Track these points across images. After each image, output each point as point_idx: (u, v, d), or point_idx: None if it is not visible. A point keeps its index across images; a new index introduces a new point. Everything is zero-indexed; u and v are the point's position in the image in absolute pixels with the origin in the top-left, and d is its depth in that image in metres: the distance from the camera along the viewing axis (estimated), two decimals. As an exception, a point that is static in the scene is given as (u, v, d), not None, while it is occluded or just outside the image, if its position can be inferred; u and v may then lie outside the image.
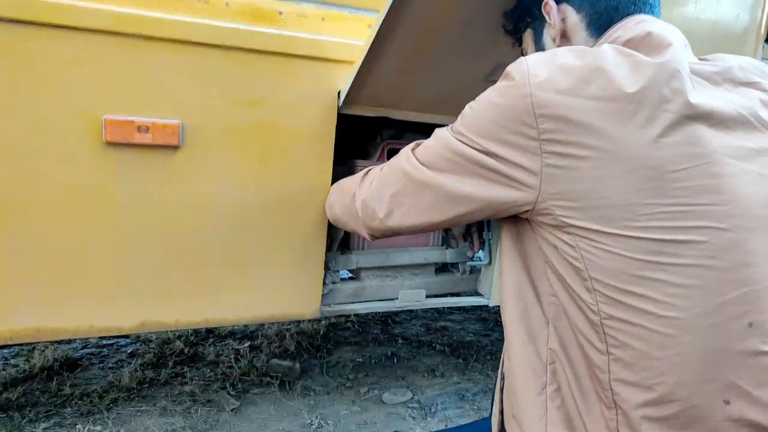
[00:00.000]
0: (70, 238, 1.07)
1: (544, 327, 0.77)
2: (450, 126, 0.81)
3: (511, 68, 0.72)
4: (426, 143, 0.84)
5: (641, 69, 0.67)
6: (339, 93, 1.21)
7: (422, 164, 0.82)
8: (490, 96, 0.74)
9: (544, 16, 0.87)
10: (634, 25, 0.77)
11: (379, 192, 0.89)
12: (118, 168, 1.08)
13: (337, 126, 1.23)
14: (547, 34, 0.88)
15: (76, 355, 2.21)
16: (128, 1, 1.04)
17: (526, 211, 0.74)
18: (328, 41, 1.19)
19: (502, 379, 0.87)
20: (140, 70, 1.05)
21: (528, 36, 0.95)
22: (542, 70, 0.68)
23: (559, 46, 0.85)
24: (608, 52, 0.69)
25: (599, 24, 0.81)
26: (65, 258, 1.08)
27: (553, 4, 0.85)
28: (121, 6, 1.03)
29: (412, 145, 0.87)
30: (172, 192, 1.13)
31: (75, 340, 2.33)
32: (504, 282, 0.83)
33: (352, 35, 1.22)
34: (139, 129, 1.08)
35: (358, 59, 1.08)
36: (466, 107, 0.78)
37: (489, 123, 0.72)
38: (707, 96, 0.69)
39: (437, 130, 0.83)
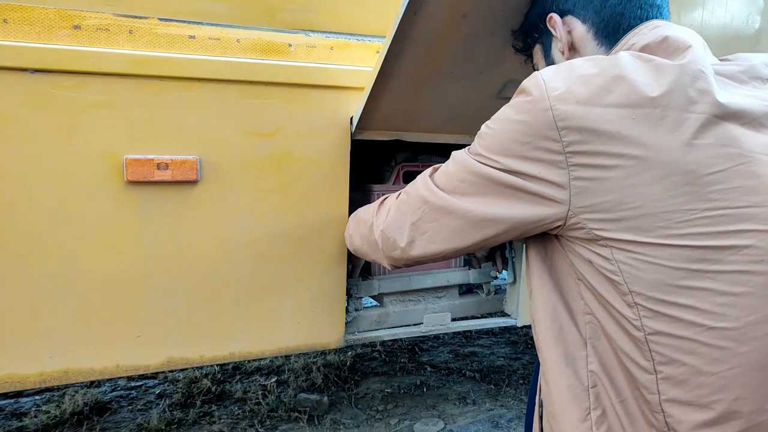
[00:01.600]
0: (95, 278, 1.09)
1: (582, 348, 0.74)
2: (467, 148, 0.79)
3: (527, 83, 0.70)
4: (444, 168, 0.82)
5: (663, 72, 0.65)
6: (351, 119, 1.22)
7: (442, 190, 0.79)
8: (507, 113, 0.72)
9: (550, 31, 0.86)
10: (649, 30, 0.75)
11: (398, 221, 0.87)
12: (139, 206, 1.10)
13: (351, 151, 1.24)
14: (556, 48, 0.87)
15: (106, 398, 2.21)
16: (142, 44, 1.08)
17: (557, 227, 0.71)
18: (337, 69, 1.21)
19: (541, 406, 0.83)
20: (157, 109, 1.08)
21: (537, 51, 0.94)
22: (559, 82, 0.67)
23: (568, 58, 0.83)
24: (626, 59, 0.67)
25: (607, 32, 0.80)
26: (91, 298, 1.09)
27: (557, 17, 0.84)
28: (136, 49, 1.07)
29: (429, 170, 0.85)
30: (192, 227, 1.14)
31: (104, 382, 2.33)
32: (535, 304, 0.79)
33: (361, 62, 1.24)
34: (158, 166, 1.10)
35: (368, 85, 1.09)
36: (483, 127, 0.75)
37: (510, 141, 0.70)
38: (735, 95, 0.67)
39: (454, 153, 0.81)
